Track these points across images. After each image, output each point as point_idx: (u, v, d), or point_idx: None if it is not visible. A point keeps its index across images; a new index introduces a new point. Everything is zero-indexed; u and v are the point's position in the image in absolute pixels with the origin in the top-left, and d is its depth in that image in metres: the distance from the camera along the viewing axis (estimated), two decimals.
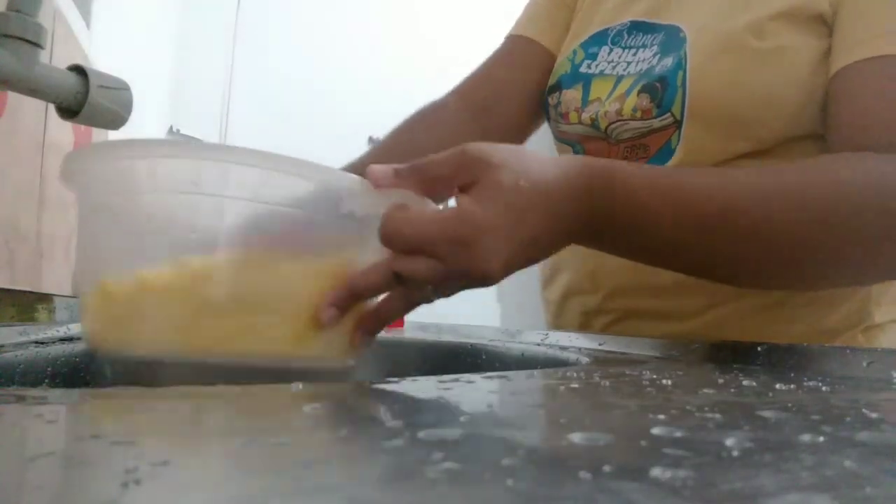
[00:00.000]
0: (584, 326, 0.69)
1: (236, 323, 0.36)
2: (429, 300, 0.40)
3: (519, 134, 0.77)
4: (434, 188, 0.40)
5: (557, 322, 0.73)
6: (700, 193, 0.44)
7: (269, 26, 2.44)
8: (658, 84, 0.60)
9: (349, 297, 0.38)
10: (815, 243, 0.45)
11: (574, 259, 0.68)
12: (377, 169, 0.39)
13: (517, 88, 0.74)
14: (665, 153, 0.61)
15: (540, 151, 0.43)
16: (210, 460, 0.17)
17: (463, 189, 0.38)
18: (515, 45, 0.77)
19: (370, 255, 0.40)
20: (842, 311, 0.59)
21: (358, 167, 0.65)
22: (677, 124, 0.59)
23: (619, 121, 0.63)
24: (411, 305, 0.41)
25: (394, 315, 0.41)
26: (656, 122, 0.61)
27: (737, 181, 0.45)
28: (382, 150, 0.68)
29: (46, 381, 0.50)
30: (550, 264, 0.74)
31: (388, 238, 0.37)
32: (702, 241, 0.44)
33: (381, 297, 0.41)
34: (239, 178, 0.35)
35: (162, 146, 0.37)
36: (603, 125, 0.65)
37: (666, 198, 0.43)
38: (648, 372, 0.36)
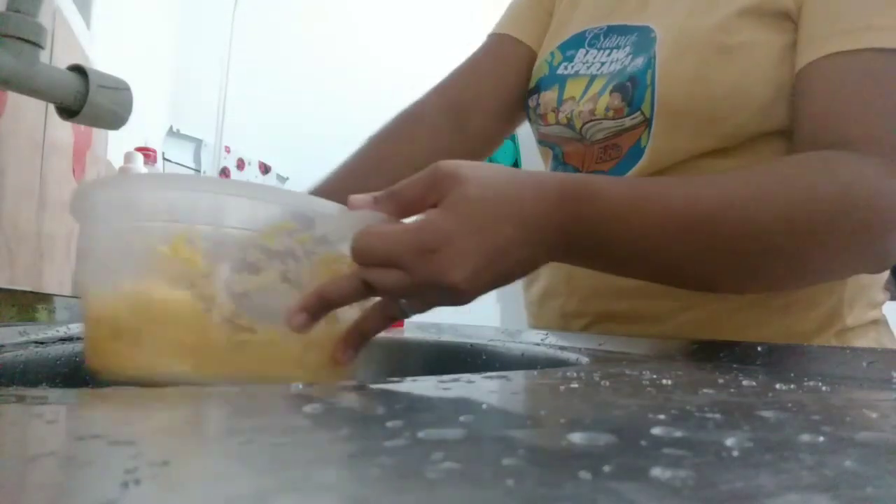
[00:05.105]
0: (562, 329, 0.69)
1: (229, 349, 0.37)
2: (405, 315, 0.41)
3: (497, 135, 0.78)
4: (411, 210, 0.41)
5: (537, 324, 0.74)
6: (673, 203, 0.44)
7: (267, 26, 2.44)
8: (629, 83, 0.61)
9: (318, 303, 0.38)
10: (790, 250, 0.45)
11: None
12: (357, 198, 0.41)
13: (499, 86, 0.75)
14: (635, 152, 0.61)
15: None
16: (210, 460, 0.17)
17: (433, 205, 0.39)
18: (498, 43, 0.77)
19: None
20: (815, 315, 0.59)
21: (336, 180, 0.67)
22: (647, 123, 0.60)
23: (593, 120, 0.64)
24: (389, 321, 0.42)
25: (373, 330, 0.42)
26: (627, 121, 0.61)
27: (711, 189, 0.45)
28: (360, 161, 0.69)
29: (46, 381, 0.50)
30: None
31: (359, 254, 0.38)
32: (674, 250, 0.44)
33: (359, 313, 0.43)
34: (214, 207, 0.38)
35: (152, 180, 0.41)
36: (578, 125, 0.65)
37: (639, 209, 0.43)
38: (648, 372, 0.36)
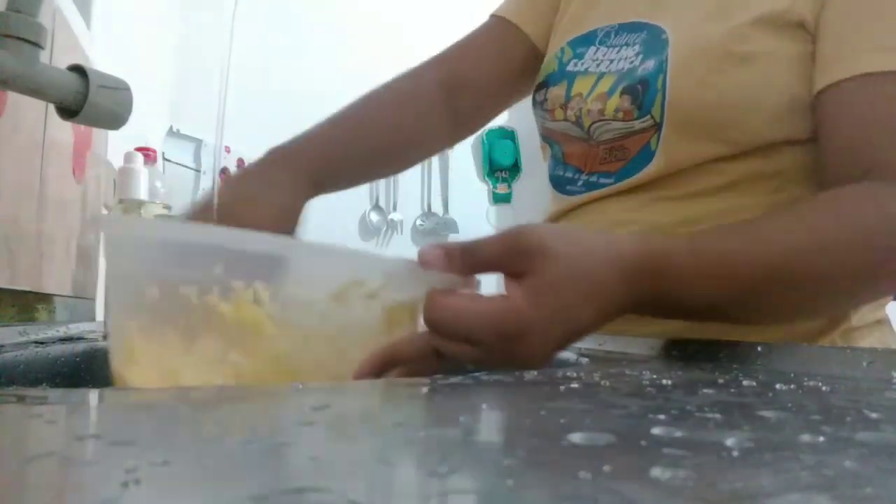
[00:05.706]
0: None
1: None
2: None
3: (486, 114, 0.79)
4: (483, 270, 0.40)
5: None
6: (741, 262, 0.45)
7: (267, 26, 2.44)
8: (639, 86, 0.61)
9: (388, 365, 0.39)
10: (847, 288, 0.49)
11: None
12: (428, 255, 0.39)
13: (496, 68, 0.76)
14: (645, 155, 0.61)
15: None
16: (210, 460, 0.17)
17: (514, 276, 0.38)
18: (498, 26, 0.78)
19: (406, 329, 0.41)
20: None
21: (318, 133, 0.66)
22: (657, 127, 0.60)
23: (601, 121, 0.64)
24: (441, 369, 0.42)
25: (424, 374, 0.42)
26: (637, 124, 0.61)
27: (776, 241, 0.47)
28: (350, 118, 0.69)
29: (46, 381, 0.50)
30: None
31: (435, 327, 0.38)
32: (743, 304, 0.47)
33: None
34: (276, 263, 0.36)
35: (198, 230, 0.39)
36: (586, 123, 0.65)
37: (709, 274, 0.44)
38: (648, 372, 0.36)
